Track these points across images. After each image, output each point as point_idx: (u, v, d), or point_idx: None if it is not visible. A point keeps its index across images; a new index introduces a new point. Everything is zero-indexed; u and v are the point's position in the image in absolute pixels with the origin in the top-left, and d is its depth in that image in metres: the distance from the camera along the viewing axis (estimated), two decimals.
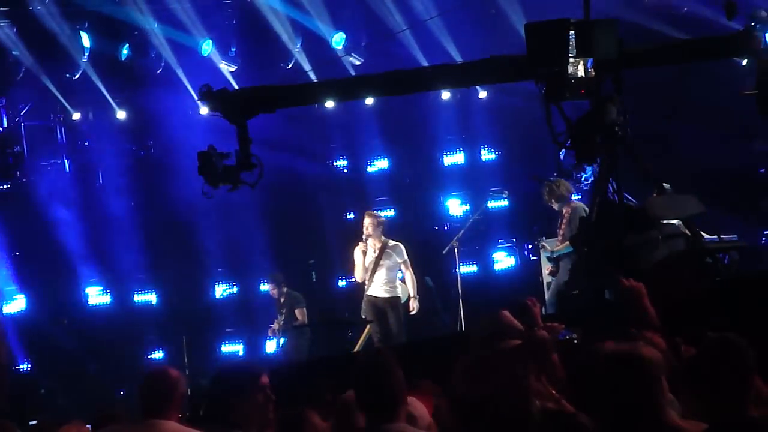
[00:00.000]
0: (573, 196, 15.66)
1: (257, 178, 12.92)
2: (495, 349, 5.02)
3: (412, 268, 16.42)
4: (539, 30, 11.29)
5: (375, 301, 16.27)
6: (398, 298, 16.30)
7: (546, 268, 15.89)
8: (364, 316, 16.38)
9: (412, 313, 16.40)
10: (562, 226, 15.34)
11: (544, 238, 16.30)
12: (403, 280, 16.40)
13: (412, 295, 16.35)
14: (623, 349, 5.36)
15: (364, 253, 16.22)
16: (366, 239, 16.18)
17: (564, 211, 15.35)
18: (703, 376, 5.20)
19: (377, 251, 16.18)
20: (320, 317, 18.81)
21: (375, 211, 16.83)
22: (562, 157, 16.05)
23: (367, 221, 16.23)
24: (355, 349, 16.33)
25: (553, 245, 15.54)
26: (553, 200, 15.44)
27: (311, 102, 14.82)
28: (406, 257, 16.29)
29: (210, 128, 20.20)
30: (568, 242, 15.14)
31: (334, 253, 20.34)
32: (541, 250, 16.22)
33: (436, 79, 13.19)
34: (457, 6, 18.64)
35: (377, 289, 16.25)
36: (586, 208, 15.56)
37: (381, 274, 16.21)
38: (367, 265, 16.20)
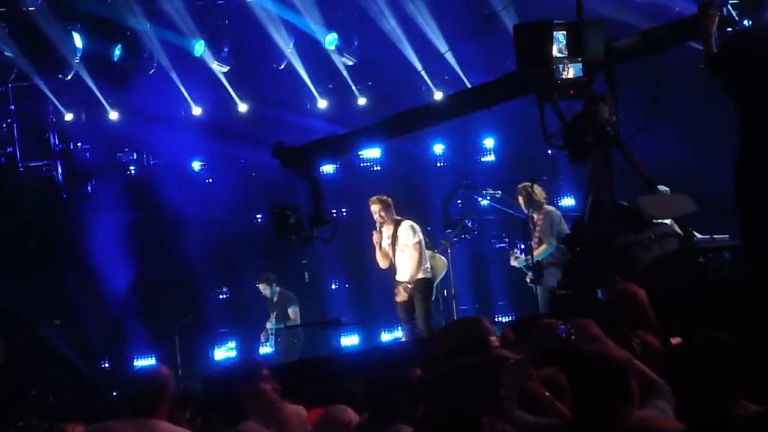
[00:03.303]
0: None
1: (331, 234, 13.11)
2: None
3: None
4: (526, 31, 11.33)
5: (403, 286, 15.49)
6: (422, 280, 15.39)
7: (527, 277, 15.62)
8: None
9: (398, 299, 15.49)
10: (537, 232, 15.27)
11: (519, 246, 15.79)
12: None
13: (405, 279, 15.38)
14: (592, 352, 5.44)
15: (379, 244, 15.44)
16: (380, 228, 15.41)
17: (536, 217, 15.27)
18: (690, 374, 5.20)
19: (391, 237, 15.39)
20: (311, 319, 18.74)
21: (380, 196, 15.73)
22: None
23: (375, 208, 15.38)
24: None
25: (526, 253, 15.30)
26: (528, 206, 15.24)
27: (366, 147, 14.64)
28: (413, 240, 15.33)
29: (201, 129, 20.34)
30: (545, 245, 15.14)
31: (327, 253, 20.31)
32: (515, 262, 15.77)
33: (467, 104, 13.07)
34: (450, 7, 18.73)
35: (401, 274, 15.46)
36: (559, 213, 15.56)
37: (402, 258, 15.41)
38: (387, 250, 15.44)
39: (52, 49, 18.63)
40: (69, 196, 20.25)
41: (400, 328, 16.91)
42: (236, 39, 19.80)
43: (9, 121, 19.72)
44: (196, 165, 21.03)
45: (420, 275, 15.52)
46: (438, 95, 19.49)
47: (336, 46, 19.72)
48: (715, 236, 12.05)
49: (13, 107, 19.71)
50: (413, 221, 15.70)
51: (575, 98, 11.15)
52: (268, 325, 18.23)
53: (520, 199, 15.26)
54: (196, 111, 20.32)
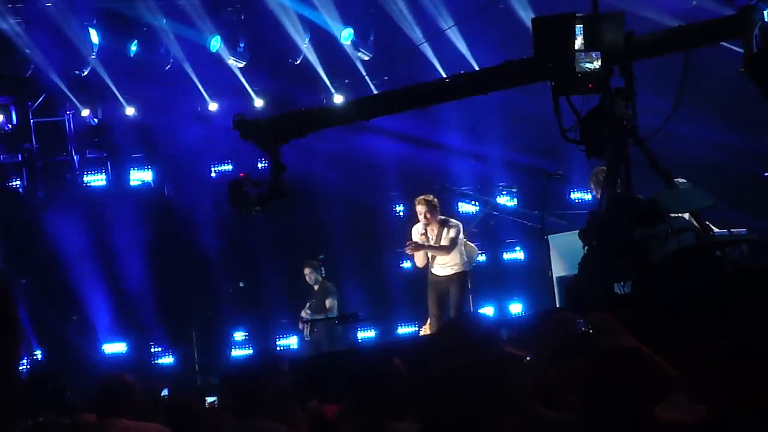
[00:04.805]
0: None
1: (289, 208, 13.30)
2: None
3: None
4: (546, 24, 11.29)
5: (437, 281, 15.22)
6: (462, 272, 15.16)
7: None
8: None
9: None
10: None
11: None
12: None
13: (445, 274, 15.11)
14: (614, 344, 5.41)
15: (429, 246, 15.04)
16: (426, 228, 14.99)
17: None
18: (723, 383, 5.18)
19: (435, 237, 15.03)
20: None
21: (425, 195, 15.27)
22: None
23: (421, 209, 14.94)
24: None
25: None
26: (599, 189, 15.00)
27: (339, 123, 14.54)
28: (462, 240, 15.11)
29: (218, 123, 20.36)
30: None
31: (344, 248, 20.31)
32: None
33: (455, 89, 13.04)
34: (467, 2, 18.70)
35: (439, 269, 15.18)
36: None
37: (444, 258, 15.12)
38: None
39: (69, 45, 18.70)
40: (85, 190, 20.29)
41: (420, 323, 16.73)
42: (252, 34, 19.83)
43: (26, 117, 19.79)
44: (212, 159, 21.03)
45: (460, 269, 15.37)
46: None
47: (352, 41, 19.74)
48: (732, 230, 12.01)
49: (30, 103, 19.78)
50: (458, 220, 15.56)
51: (594, 92, 11.11)
52: (304, 314, 18.03)
53: (592, 184, 14.86)
54: (212, 106, 20.37)
